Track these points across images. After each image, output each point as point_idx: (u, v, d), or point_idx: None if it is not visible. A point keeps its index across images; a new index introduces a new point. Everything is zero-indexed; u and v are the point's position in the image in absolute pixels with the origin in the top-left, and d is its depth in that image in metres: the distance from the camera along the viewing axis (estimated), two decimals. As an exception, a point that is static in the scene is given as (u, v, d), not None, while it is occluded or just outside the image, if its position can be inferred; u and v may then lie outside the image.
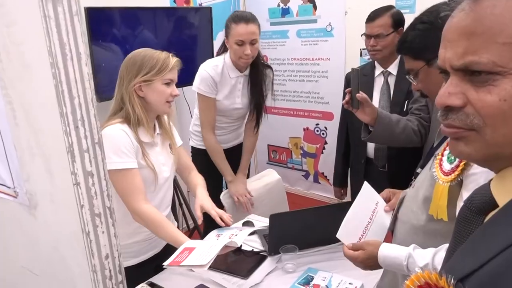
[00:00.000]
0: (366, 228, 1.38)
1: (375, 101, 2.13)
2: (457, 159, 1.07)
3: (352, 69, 1.73)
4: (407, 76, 1.29)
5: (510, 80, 0.51)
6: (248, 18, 2.07)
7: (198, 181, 1.75)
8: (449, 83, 0.56)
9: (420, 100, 1.89)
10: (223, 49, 2.23)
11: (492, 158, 0.56)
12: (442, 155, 1.13)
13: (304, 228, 1.70)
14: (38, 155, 0.80)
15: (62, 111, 0.69)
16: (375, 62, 2.18)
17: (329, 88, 3.44)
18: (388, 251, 1.19)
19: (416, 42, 1.20)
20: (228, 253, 1.76)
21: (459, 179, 1.05)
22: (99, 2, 2.34)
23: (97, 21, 2.30)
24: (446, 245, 1.08)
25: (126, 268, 1.56)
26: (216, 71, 2.16)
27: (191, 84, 3.03)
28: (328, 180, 3.60)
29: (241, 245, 1.80)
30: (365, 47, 2.20)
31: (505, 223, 0.52)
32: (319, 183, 3.76)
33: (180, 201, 2.82)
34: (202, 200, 1.64)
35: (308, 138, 3.74)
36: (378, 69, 2.17)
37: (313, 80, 3.56)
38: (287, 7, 3.54)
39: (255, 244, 1.83)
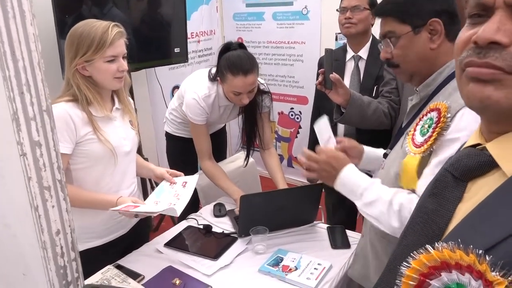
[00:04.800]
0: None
1: (346, 86, 2.12)
2: (429, 131, 1.05)
3: (326, 49, 1.71)
4: (383, 40, 1.18)
5: None
6: (246, 69, 1.76)
7: (140, 159, 1.79)
8: (496, 20, 0.51)
9: (391, 83, 1.89)
10: (216, 76, 1.92)
11: None
12: (415, 130, 1.12)
13: (275, 210, 1.69)
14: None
15: (5, 74, 0.63)
16: (347, 46, 2.17)
17: (304, 72, 3.42)
18: (354, 173, 1.18)
19: (409, 3, 1.12)
20: (198, 234, 1.75)
21: (431, 149, 1.04)
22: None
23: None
24: (406, 191, 1.08)
25: (92, 249, 1.53)
26: (207, 102, 1.94)
27: (164, 64, 2.99)
28: (302, 164, 3.60)
29: (211, 227, 1.78)
30: (340, 32, 2.19)
31: None
32: (293, 167, 3.76)
33: (152, 184, 2.78)
34: (156, 168, 1.75)
35: (282, 122, 3.73)
36: (349, 54, 2.15)
37: (288, 63, 3.54)
38: (263, -12, 3.49)
39: (225, 226, 1.81)
